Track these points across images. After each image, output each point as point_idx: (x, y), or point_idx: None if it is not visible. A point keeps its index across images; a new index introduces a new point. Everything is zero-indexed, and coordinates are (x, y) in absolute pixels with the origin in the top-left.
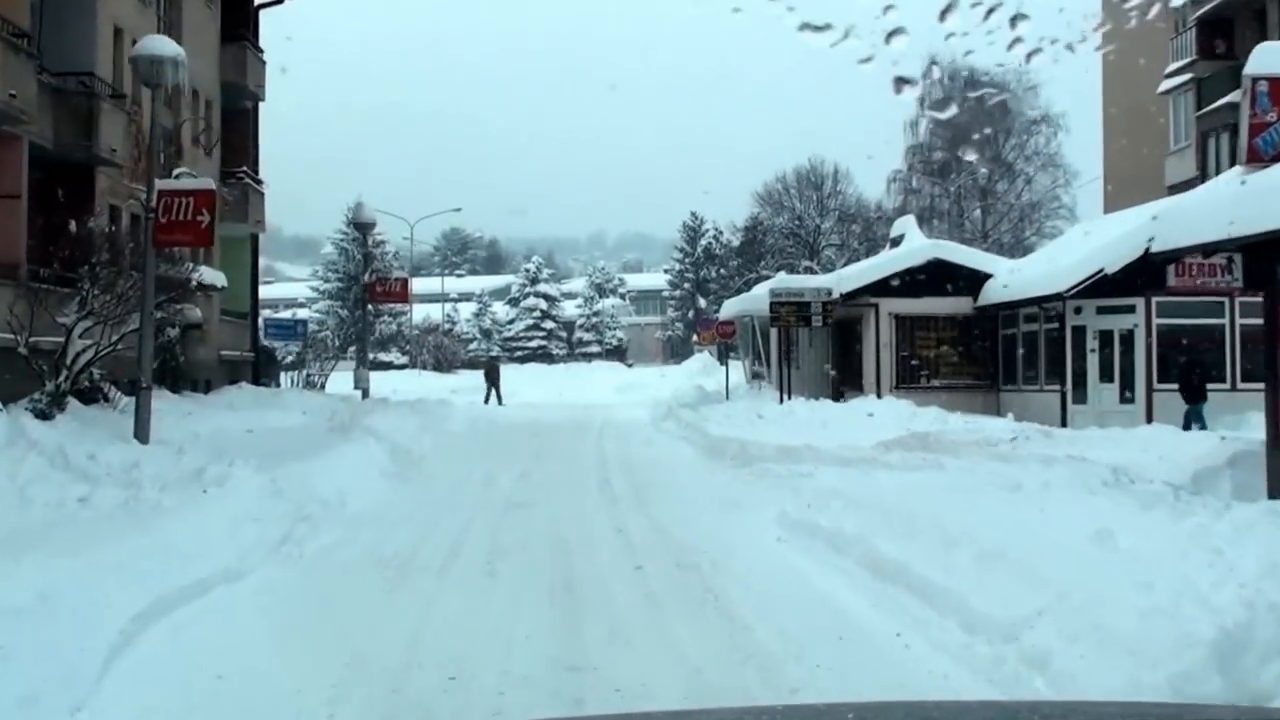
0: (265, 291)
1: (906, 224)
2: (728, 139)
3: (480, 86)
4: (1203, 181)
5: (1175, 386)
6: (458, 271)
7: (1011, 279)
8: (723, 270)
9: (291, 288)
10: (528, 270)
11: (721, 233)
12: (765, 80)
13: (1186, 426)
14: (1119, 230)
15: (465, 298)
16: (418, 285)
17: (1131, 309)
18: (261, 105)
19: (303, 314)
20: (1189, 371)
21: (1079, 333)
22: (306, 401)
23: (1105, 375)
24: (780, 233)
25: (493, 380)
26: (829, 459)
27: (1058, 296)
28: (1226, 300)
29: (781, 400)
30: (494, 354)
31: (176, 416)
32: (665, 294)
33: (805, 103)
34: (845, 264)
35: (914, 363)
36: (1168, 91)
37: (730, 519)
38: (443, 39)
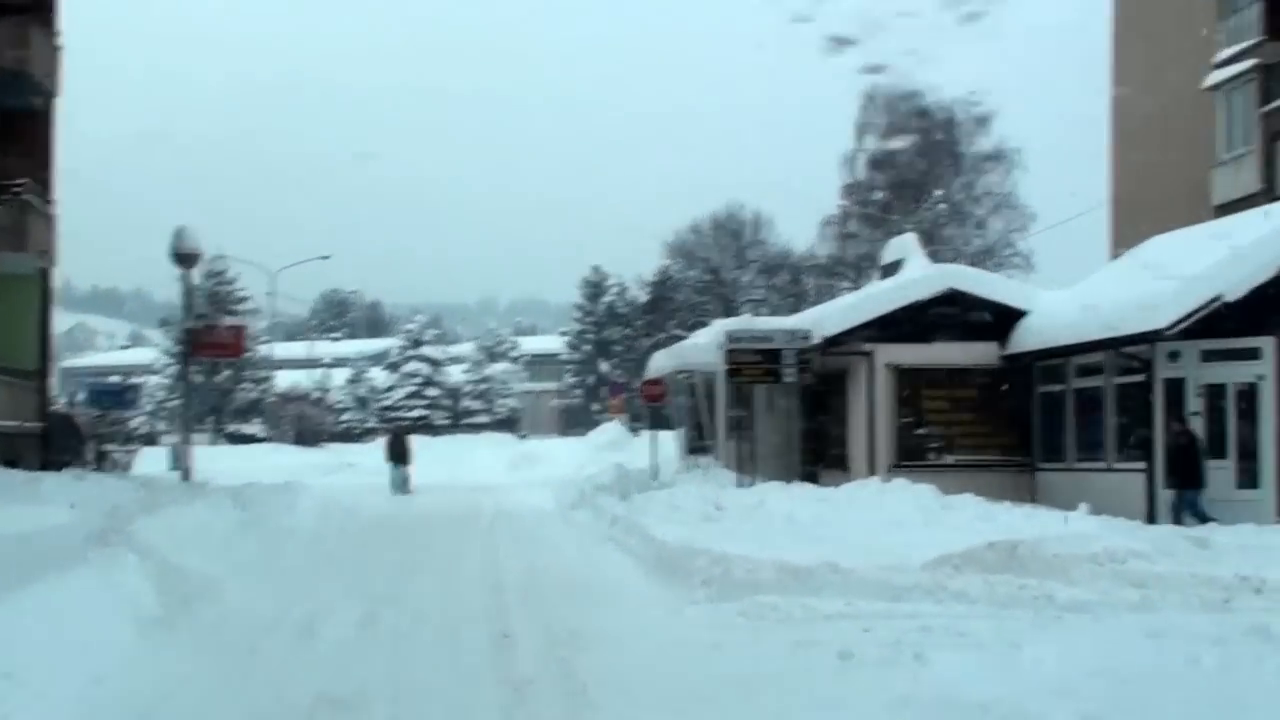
0: (118, 358)
1: (905, 245)
2: (637, 192)
3: (359, 138)
4: (1271, 196)
5: None
6: (333, 335)
7: (1057, 317)
8: (628, 330)
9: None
10: (409, 332)
11: (627, 288)
12: (679, 122)
13: (1177, 520)
14: (1219, 244)
15: (341, 363)
16: (288, 350)
17: (1255, 353)
18: (59, 105)
19: (155, 380)
20: (1188, 445)
21: (1174, 388)
22: (84, 490)
23: (1215, 448)
24: (693, 287)
25: (400, 456)
26: (871, 590)
27: (1147, 337)
28: None
29: (741, 484)
30: (400, 423)
31: None
32: (563, 358)
33: (724, 145)
34: None
35: (920, 432)
36: (1217, 86)
37: None
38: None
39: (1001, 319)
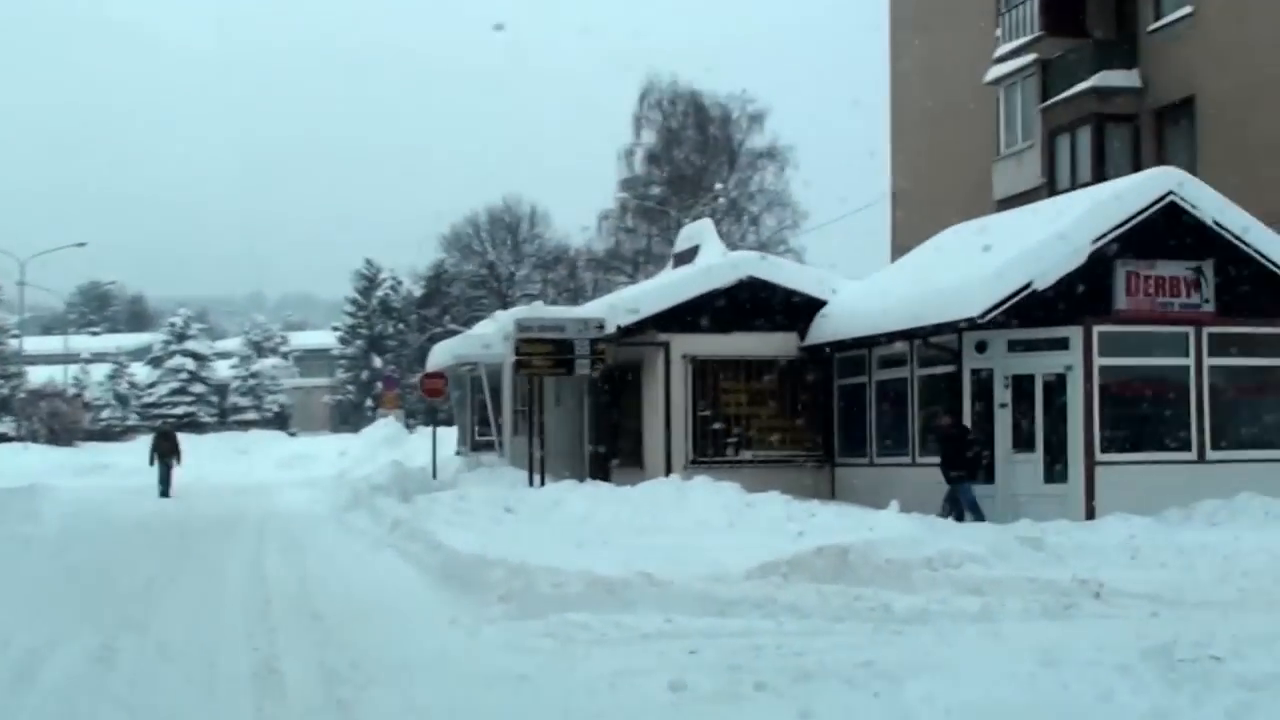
0: None
1: (701, 231)
2: (411, 185)
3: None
4: (1052, 190)
5: (1124, 457)
6: (93, 329)
7: (858, 306)
8: (402, 325)
9: None
10: (173, 325)
11: (401, 282)
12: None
13: (957, 515)
14: (1032, 232)
15: (101, 358)
16: (42, 344)
17: (1064, 343)
18: None
19: None
20: (959, 436)
21: (982, 380)
22: None
23: (1024, 442)
24: (468, 281)
25: (167, 456)
26: (693, 605)
27: (957, 326)
28: (1192, 331)
29: (532, 482)
30: (166, 421)
31: None
32: (335, 353)
33: (502, 137)
34: None
35: (717, 426)
36: (997, 81)
37: None
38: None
39: (801, 309)
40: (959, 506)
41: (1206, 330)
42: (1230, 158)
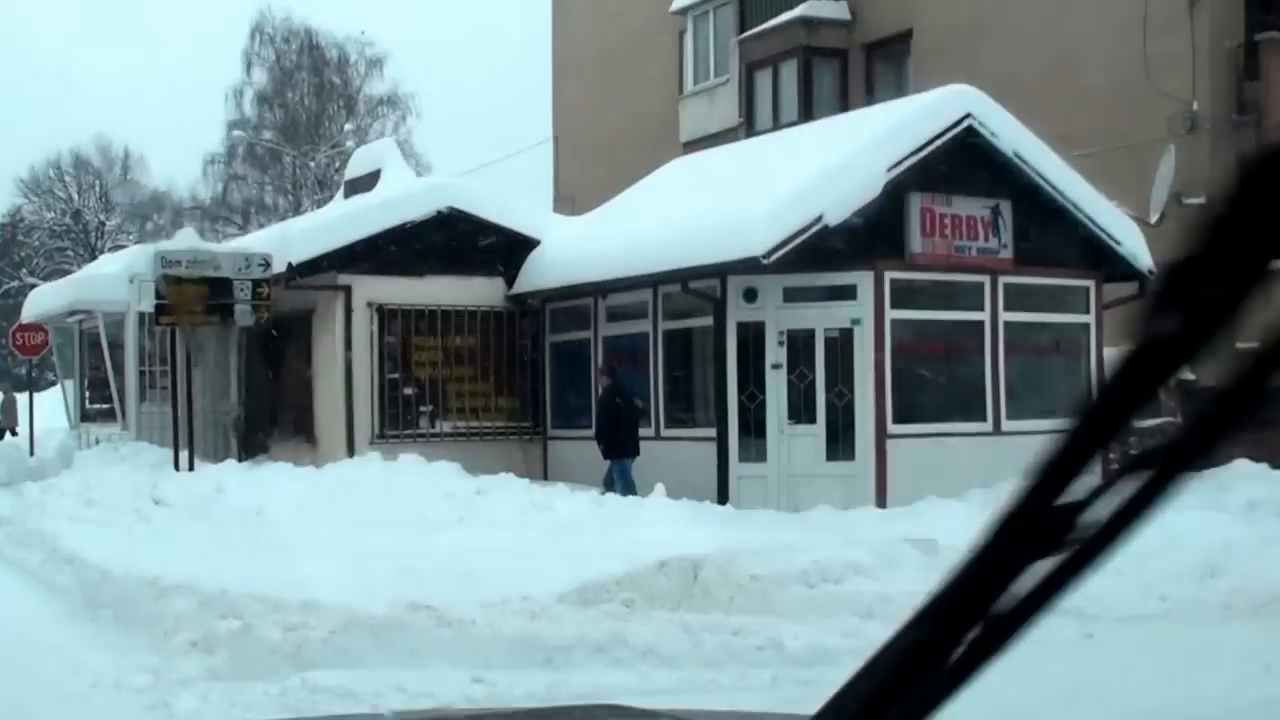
0: None
1: (381, 152)
2: None
3: None
4: (750, 131)
5: (917, 429)
6: None
7: (581, 247)
8: None
9: None
10: None
11: None
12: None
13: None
14: (791, 162)
15: None
16: None
17: (851, 292)
18: None
19: None
20: (616, 406)
21: (751, 336)
22: None
23: (802, 412)
24: (50, 230)
25: None
26: (509, 652)
27: (724, 269)
28: (988, 280)
29: (179, 464)
30: None
31: None
32: None
33: (91, 69)
34: None
35: (409, 392)
36: (684, 10)
37: None
38: None
39: (510, 249)
40: (615, 488)
41: (1003, 280)
42: None
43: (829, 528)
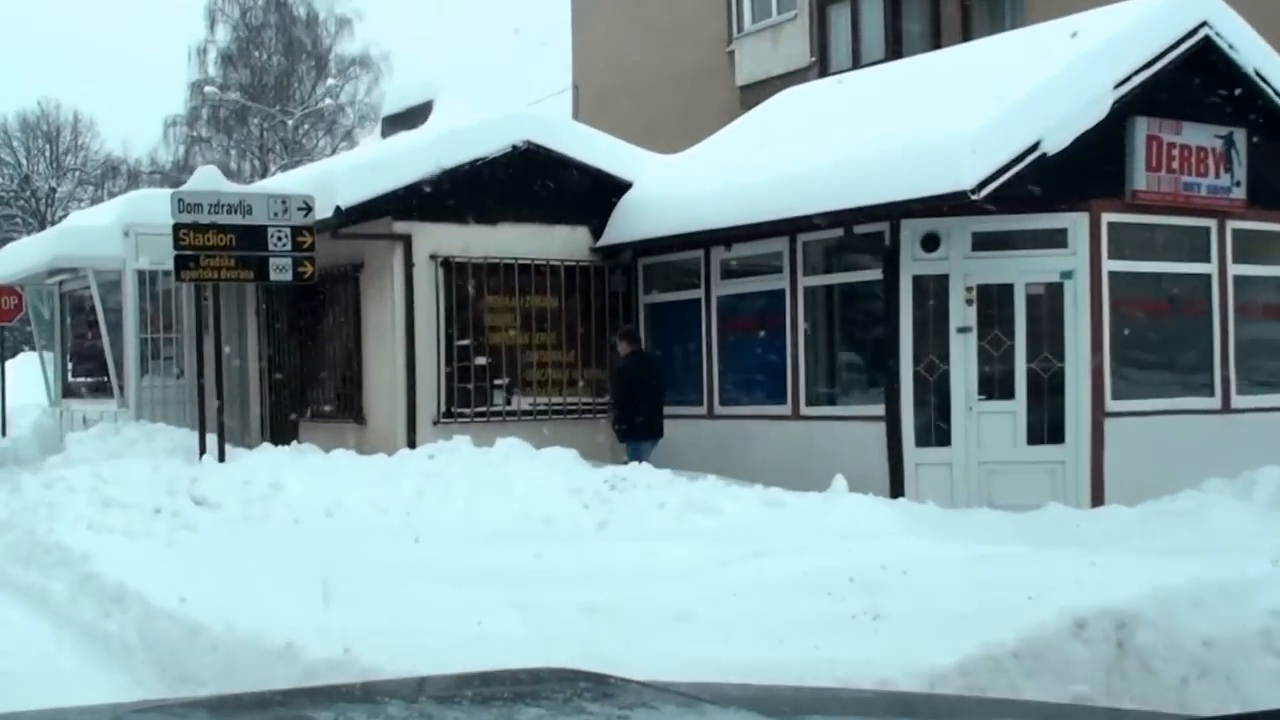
0: None
1: (431, 85)
2: None
3: None
4: (824, 71)
5: (1135, 407)
6: None
7: (684, 190)
8: None
9: None
10: None
11: None
12: None
13: None
14: (970, 85)
15: None
16: None
17: (1060, 238)
18: None
19: None
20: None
21: (931, 293)
22: None
23: (998, 386)
24: None
25: None
26: None
27: (894, 210)
28: (1214, 225)
29: (205, 450)
30: None
31: None
32: None
33: (39, 26)
34: None
35: (482, 362)
36: None
37: None
38: None
39: (595, 193)
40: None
41: (1232, 225)
42: None
43: (1086, 538)
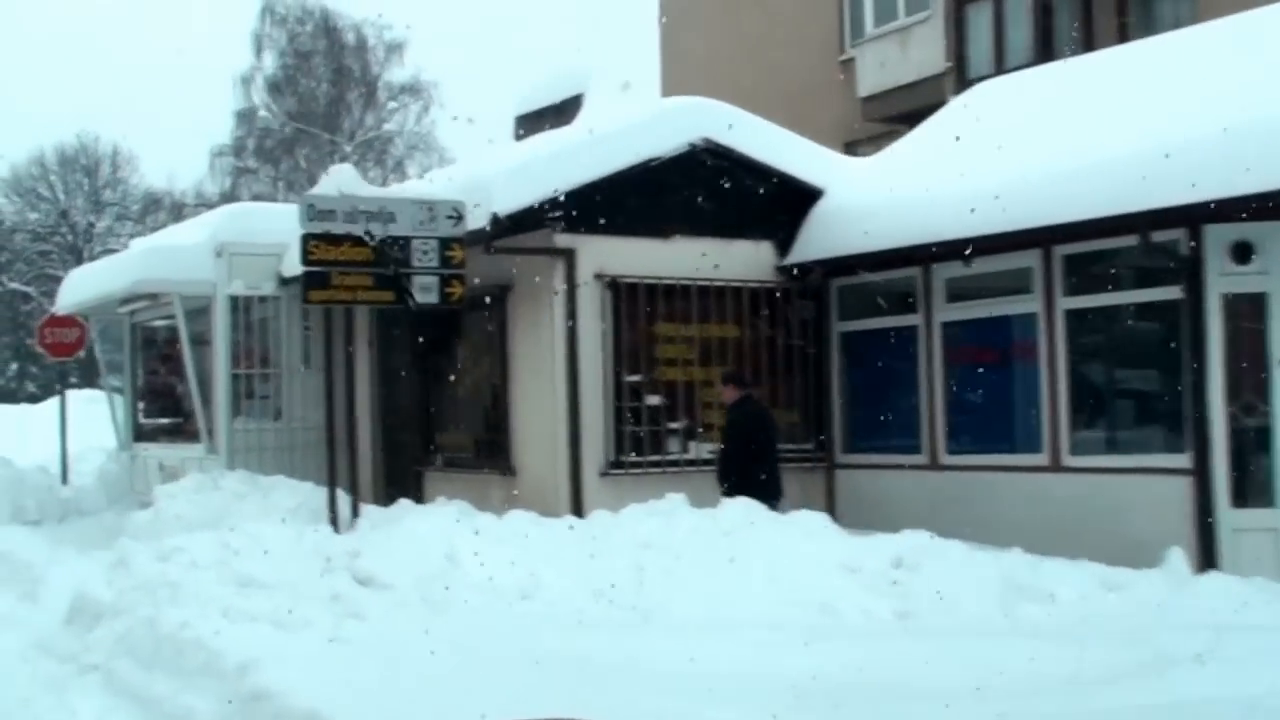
0: None
1: (580, 74)
2: None
3: None
4: (961, 78)
5: None
6: None
7: (887, 200)
8: None
9: None
10: None
11: None
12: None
13: None
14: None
15: None
16: None
17: None
18: None
19: None
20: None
21: (1244, 317)
22: None
23: None
24: (34, 233)
25: None
26: None
27: (1192, 214)
28: None
29: (337, 511)
30: None
31: None
32: None
33: (82, 59)
34: None
35: (655, 401)
36: None
37: None
38: None
39: (781, 201)
40: None
41: None
42: None
43: None
